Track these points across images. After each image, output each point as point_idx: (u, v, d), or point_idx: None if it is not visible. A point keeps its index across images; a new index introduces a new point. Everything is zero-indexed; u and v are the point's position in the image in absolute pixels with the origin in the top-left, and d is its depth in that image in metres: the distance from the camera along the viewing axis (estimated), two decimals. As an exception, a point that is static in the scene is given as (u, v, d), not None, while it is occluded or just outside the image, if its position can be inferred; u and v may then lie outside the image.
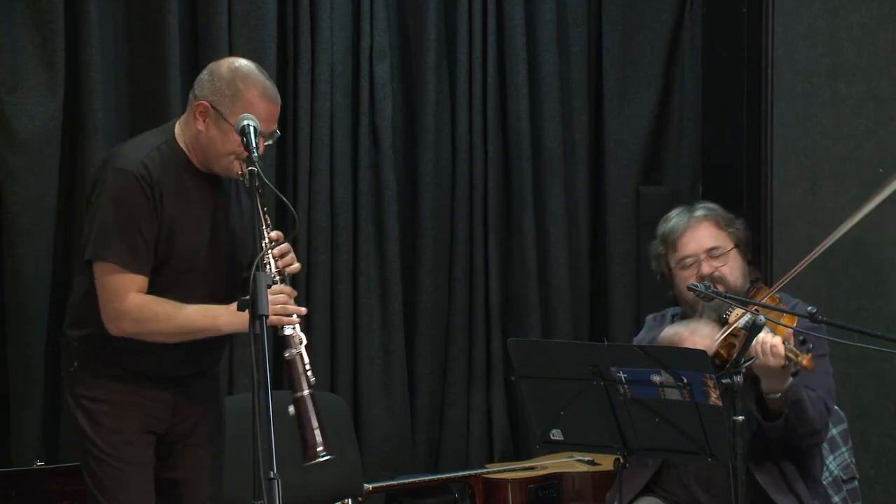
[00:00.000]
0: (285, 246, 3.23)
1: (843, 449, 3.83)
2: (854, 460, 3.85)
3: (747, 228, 3.63)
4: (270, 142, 3.30)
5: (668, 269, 3.60)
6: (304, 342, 3.20)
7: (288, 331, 3.15)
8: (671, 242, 3.57)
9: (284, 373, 3.22)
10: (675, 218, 3.61)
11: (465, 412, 5.14)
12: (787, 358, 3.18)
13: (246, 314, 3.07)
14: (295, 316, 3.19)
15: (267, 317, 2.98)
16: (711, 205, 3.64)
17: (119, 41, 4.49)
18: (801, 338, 3.24)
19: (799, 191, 4.77)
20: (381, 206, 4.97)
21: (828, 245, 3.38)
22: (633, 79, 5.40)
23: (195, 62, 4.57)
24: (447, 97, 5.11)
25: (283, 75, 4.79)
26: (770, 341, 3.18)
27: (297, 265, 3.24)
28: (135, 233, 3.20)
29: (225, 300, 3.27)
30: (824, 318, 3.26)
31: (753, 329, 3.14)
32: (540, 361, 3.30)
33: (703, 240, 3.54)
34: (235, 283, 3.31)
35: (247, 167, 3.17)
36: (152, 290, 3.26)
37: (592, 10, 5.38)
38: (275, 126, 3.30)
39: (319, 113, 4.82)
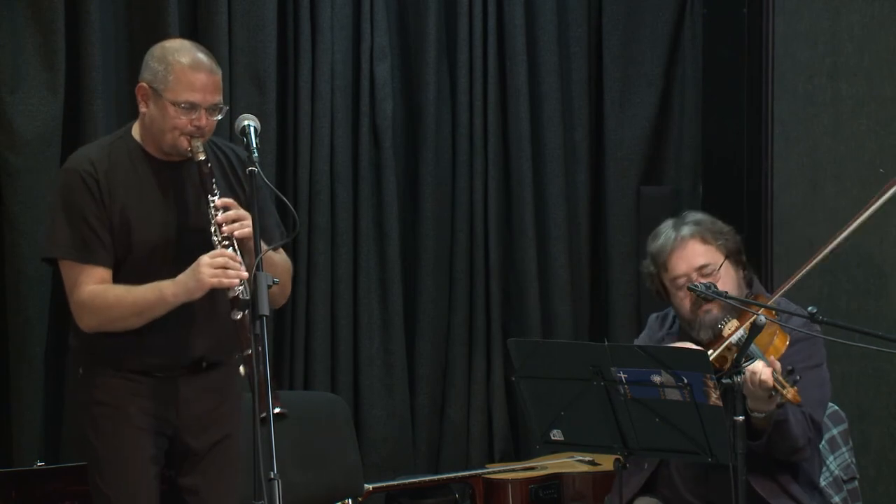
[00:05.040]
0: (235, 213, 3.20)
1: (844, 449, 3.83)
2: (854, 460, 3.85)
3: (736, 235, 3.60)
4: (219, 116, 3.28)
5: (662, 287, 3.60)
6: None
7: (235, 292, 3.11)
8: (661, 262, 3.55)
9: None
10: (663, 236, 3.57)
11: (465, 412, 5.14)
12: (773, 388, 3.16)
13: (188, 281, 3.14)
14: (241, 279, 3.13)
15: (267, 317, 2.98)
16: (699, 216, 3.60)
17: (119, 41, 4.49)
18: (788, 367, 3.20)
19: (799, 191, 4.77)
20: (381, 206, 4.97)
21: (824, 254, 3.39)
22: (634, 79, 5.40)
23: (195, 62, 4.57)
24: (447, 97, 5.12)
25: (283, 75, 4.79)
26: (759, 374, 3.16)
27: (246, 230, 3.17)
28: (83, 226, 3.23)
29: None
30: (824, 318, 3.26)
31: (754, 329, 3.14)
32: (540, 361, 3.30)
33: (691, 259, 3.50)
34: None
35: (247, 168, 3.18)
36: (131, 280, 3.25)
37: (592, 10, 5.38)
38: (216, 99, 3.27)
39: (319, 113, 4.82)
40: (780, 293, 3.45)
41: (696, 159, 5.36)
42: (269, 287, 3.00)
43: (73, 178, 3.27)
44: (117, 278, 3.28)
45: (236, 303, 3.10)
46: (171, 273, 3.26)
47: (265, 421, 2.85)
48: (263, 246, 3.11)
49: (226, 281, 3.12)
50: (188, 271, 3.18)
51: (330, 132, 4.85)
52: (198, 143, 3.24)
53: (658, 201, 5.27)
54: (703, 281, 3.47)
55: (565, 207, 5.28)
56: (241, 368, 3.07)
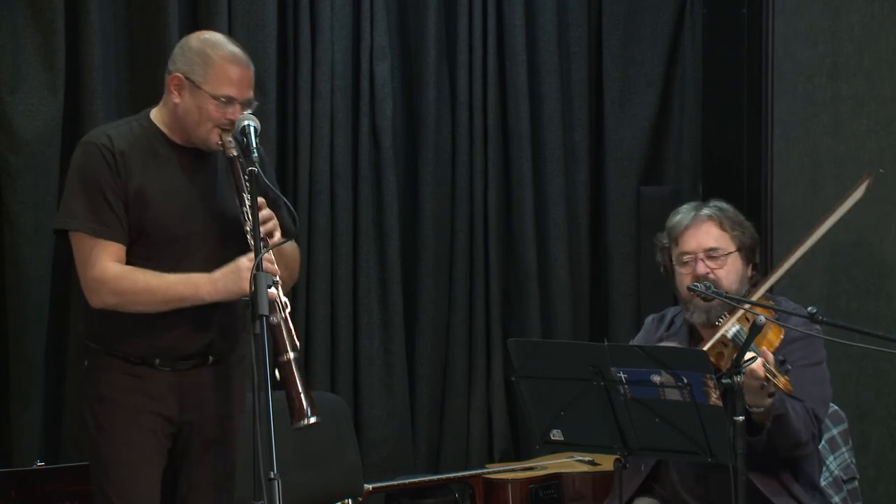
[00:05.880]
0: (268, 212, 3.22)
1: (844, 449, 3.83)
2: (854, 460, 3.85)
3: (755, 233, 3.62)
4: (249, 111, 3.27)
5: (669, 262, 3.61)
6: (289, 307, 3.18)
7: (272, 296, 3.10)
8: (674, 237, 3.57)
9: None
10: (683, 213, 3.60)
11: (465, 412, 5.14)
12: (765, 378, 3.16)
13: (227, 282, 3.14)
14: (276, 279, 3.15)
15: (267, 317, 2.98)
16: (723, 204, 3.62)
17: (119, 41, 4.50)
18: (780, 357, 3.21)
19: (799, 191, 4.77)
20: (381, 207, 4.97)
21: (801, 252, 3.40)
22: (634, 79, 5.40)
23: (195, 62, 4.57)
24: (447, 97, 5.12)
25: (283, 75, 4.79)
26: (750, 365, 3.16)
27: (277, 235, 3.21)
28: (100, 200, 3.22)
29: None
30: (824, 318, 3.26)
31: (754, 329, 3.14)
32: (540, 361, 3.30)
33: (703, 239, 3.52)
34: (232, 253, 3.24)
35: (247, 168, 3.18)
36: (140, 259, 3.25)
37: (592, 10, 5.39)
38: (251, 94, 3.28)
39: (319, 113, 4.82)
40: (764, 287, 3.44)
41: (696, 159, 5.36)
42: (269, 287, 3.01)
43: (91, 151, 3.26)
44: (129, 256, 3.26)
45: (273, 307, 3.10)
46: (196, 253, 3.26)
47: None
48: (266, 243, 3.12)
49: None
50: (227, 273, 3.16)
51: (330, 132, 4.85)
52: (229, 138, 3.23)
53: (658, 201, 5.27)
54: (709, 263, 3.49)
55: (565, 207, 5.28)
56: (277, 373, 3.08)
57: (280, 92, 4.78)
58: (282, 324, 3.14)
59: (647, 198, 5.33)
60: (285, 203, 3.26)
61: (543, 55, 5.23)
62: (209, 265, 3.24)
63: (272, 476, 2.83)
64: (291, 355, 3.14)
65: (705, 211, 3.57)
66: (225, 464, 3.39)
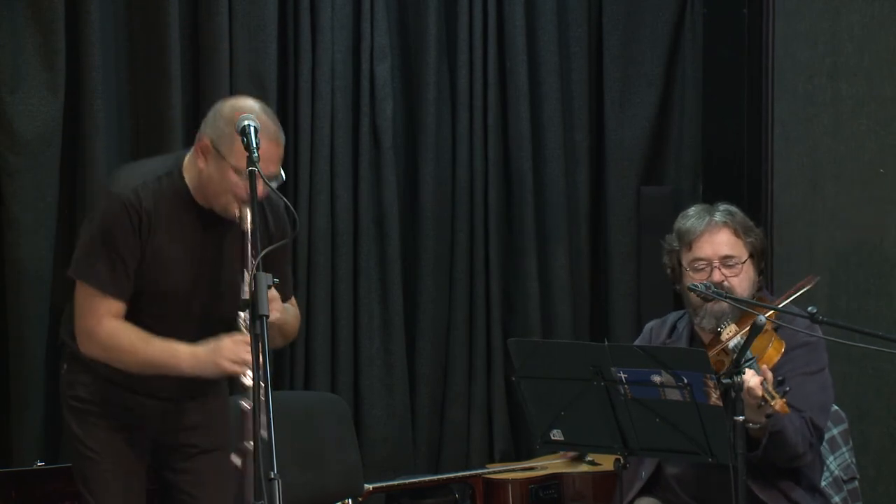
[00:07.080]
0: (271, 293, 3.13)
1: (844, 449, 3.83)
2: (854, 460, 3.85)
3: (765, 238, 3.61)
4: (274, 184, 3.18)
5: (678, 265, 3.58)
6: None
7: (246, 381, 3.07)
8: (687, 241, 3.52)
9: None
10: (695, 217, 3.55)
11: (465, 412, 5.14)
12: (762, 398, 3.15)
13: (207, 361, 3.14)
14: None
15: (267, 317, 2.97)
16: (733, 208, 3.58)
17: (120, 41, 4.49)
18: (779, 378, 3.20)
19: (799, 191, 4.77)
20: (381, 206, 4.97)
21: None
22: (634, 79, 5.40)
23: (195, 63, 4.58)
24: (447, 97, 5.12)
25: (284, 75, 4.79)
26: (748, 382, 3.13)
27: (276, 315, 3.12)
28: (116, 258, 3.20)
29: (217, 336, 3.21)
30: (824, 319, 3.26)
31: (754, 329, 3.14)
32: (540, 362, 3.30)
33: (719, 246, 3.48)
34: (230, 321, 3.19)
35: (247, 168, 3.16)
36: (140, 314, 3.25)
37: (592, 10, 5.39)
38: (275, 169, 3.20)
39: (320, 113, 4.82)
40: (781, 303, 3.44)
41: (696, 159, 5.36)
42: (270, 287, 2.99)
43: (117, 206, 3.21)
44: (133, 308, 3.26)
45: (246, 391, 3.06)
46: (188, 318, 3.26)
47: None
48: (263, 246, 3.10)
49: (237, 368, 3.10)
50: (209, 351, 3.15)
51: (330, 132, 4.85)
52: (247, 211, 3.16)
53: (658, 201, 5.27)
54: (724, 271, 3.47)
55: (565, 207, 5.28)
56: (234, 456, 3.03)
57: (280, 92, 4.78)
58: (251, 411, 3.01)
59: (647, 198, 5.33)
60: (285, 203, 3.26)
61: (543, 55, 5.22)
62: (207, 327, 3.22)
63: (272, 476, 2.82)
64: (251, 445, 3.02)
65: (718, 217, 3.53)
66: (220, 476, 3.38)
